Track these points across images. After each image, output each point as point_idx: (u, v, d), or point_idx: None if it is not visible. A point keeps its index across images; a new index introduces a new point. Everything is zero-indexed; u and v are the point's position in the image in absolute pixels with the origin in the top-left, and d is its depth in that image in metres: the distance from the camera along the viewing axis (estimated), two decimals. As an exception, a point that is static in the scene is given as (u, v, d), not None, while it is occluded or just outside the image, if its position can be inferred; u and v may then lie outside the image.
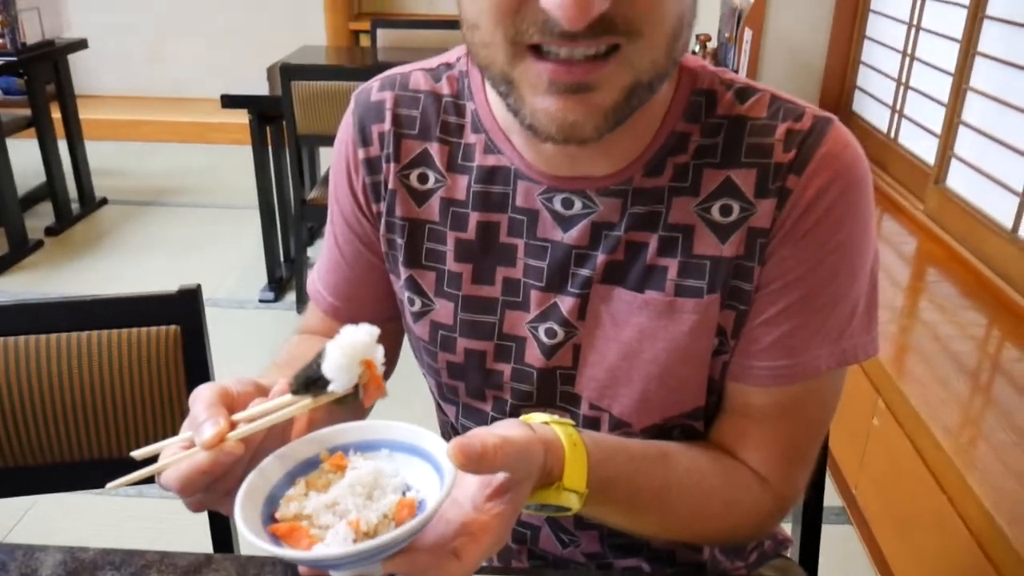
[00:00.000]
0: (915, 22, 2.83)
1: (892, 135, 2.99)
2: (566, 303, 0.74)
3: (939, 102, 2.58)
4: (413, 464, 0.58)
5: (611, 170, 0.70)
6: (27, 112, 3.55)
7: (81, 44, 3.71)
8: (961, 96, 2.42)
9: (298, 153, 2.90)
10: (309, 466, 0.58)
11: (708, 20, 3.39)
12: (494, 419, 0.80)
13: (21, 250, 3.35)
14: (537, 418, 0.64)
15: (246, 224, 3.48)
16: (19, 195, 3.42)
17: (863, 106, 3.32)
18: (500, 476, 0.57)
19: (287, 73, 2.55)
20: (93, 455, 1.04)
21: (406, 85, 0.78)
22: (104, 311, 1.01)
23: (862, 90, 3.34)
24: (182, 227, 3.75)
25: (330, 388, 0.57)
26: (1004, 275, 2.12)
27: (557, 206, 0.72)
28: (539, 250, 0.74)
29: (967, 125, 2.39)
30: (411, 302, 0.80)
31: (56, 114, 3.63)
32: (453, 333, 0.78)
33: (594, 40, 0.56)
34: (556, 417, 0.64)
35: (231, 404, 0.58)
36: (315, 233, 3.41)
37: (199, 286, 1.02)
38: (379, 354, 0.58)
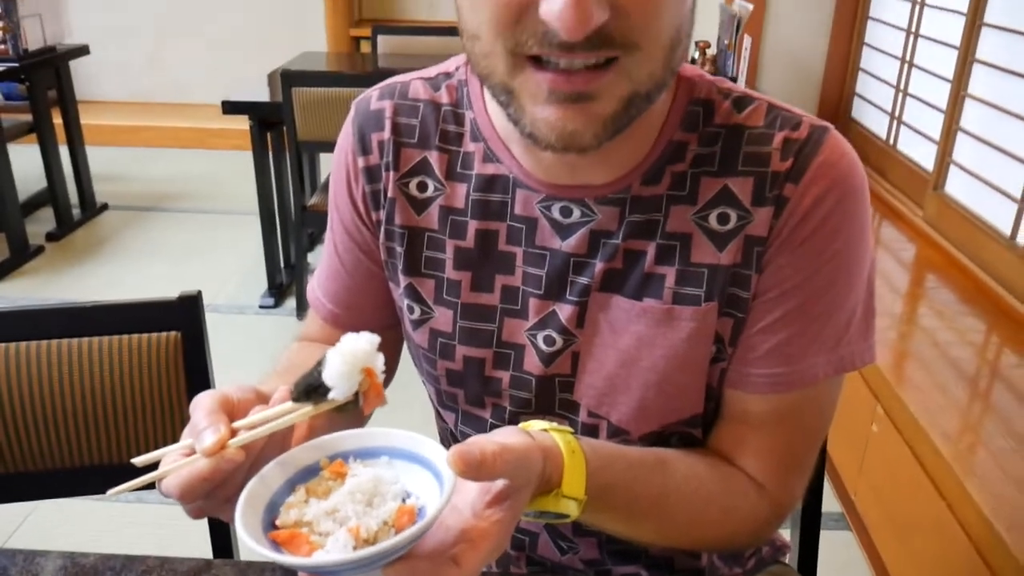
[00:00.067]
0: (914, 29, 2.84)
1: (891, 142, 3.00)
2: (564, 311, 0.74)
3: (938, 109, 2.59)
4: (413, 471, 0.58)
5: (609, 179, 0.71)
6: (28, 117, 3.56)
7: (83, 50, 3.72)
8: (959, 103, 2.43)
9: (298, 159, 2.91)
10: (309, 473, 0.58)
11: (707, 27, 3.40)
12: (493, 426, 0.80)
13: (22, 255, 3.35)
14: (536, 425, 0.64)
15: (246, 230, 3.49)
16: (20, 200, 3.42)
17: (862, 113, 3.34)
18: (499, 483, 0.57)
19: (288, 79, 2.56)
20: (93, 461, 1.04)
21: (405, 94, 0.79)
22: (105, 317, 1.02)
23: (861, 97, 3.35)
24: (183, 233, 3.75)
25: (331, 396, 0.58)
26: (1003, 281, 2.13)
27: (555, 214, 0.73)
28: (538, 258, 0.74)
29: (965, 132, 2.40)
30: (410, 310, 0.80)
31: (57, 119, 3.63)
32: (452, 341, 0.79)
33: (592, 52, 0.57)
34: (555, 424, 0.64)
35: (232, 411, 0.58)
36: (315, 239, 3.41)
37: (199, 292, 1.03)
38: (379, 362, 0.59)
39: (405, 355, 0.89)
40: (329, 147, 0.84)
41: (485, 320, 0.77)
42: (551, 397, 0.77)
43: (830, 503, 2.06)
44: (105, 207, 3.97)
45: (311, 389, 0.58)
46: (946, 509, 1.51)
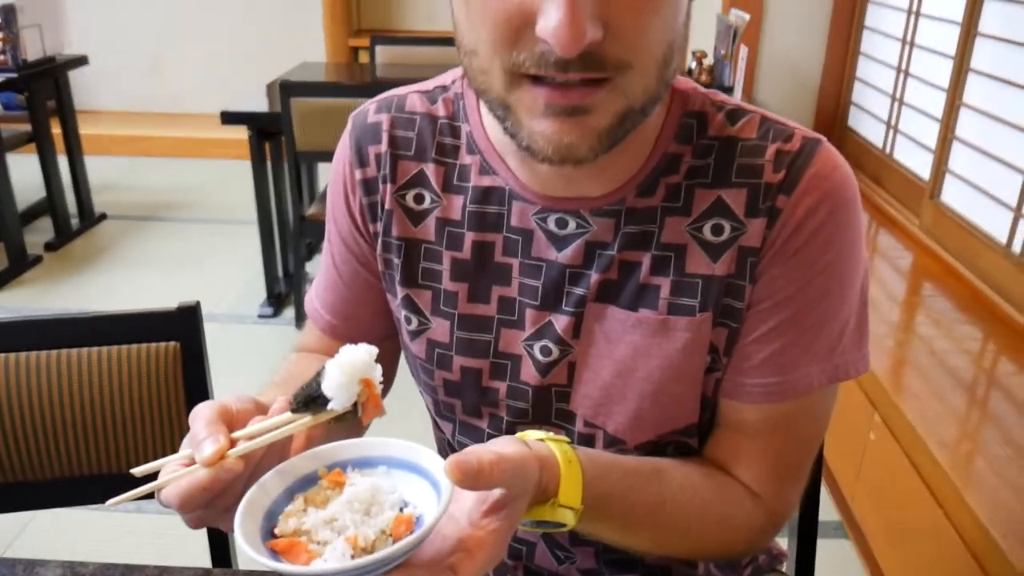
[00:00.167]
0: (909, 39, 2.85)
1: (887, 151, 3.02)
2: (561, 321, 0.75)
3: (933, 118, 2.60)
4: (410, 480, 0.59)
5: (604, 190, 0.72)
6: (27, 127, 3.57)
7: (81, 60, 3.73)
8: (955, 112, 2.44)
9: (297, 169, 2.92)
10: (308, 482, 0.59)
11: (703, 37, 3.42)
12: (490, 436, 0.81)
13: (20, 265, 3.36)
14: (533, 435, 0.64)
15: (245, 239, 3.49)
16: (19, 210, 3.43)
17: (858, 122, 3.35)
18: (496, 492, 0.58)
19: (286, 90, 2.57)
20: (92, 471, 1.04)
21: (402, 107, 0.80)
22: (103, 327, 1.02)
23: (857, 106, 3.37)
24: (181, 242, 3.76)
25: (329, 406, 0.58)
26: (999, 289, 2.14)
27: (551, 226, 0.74)
28: (534, 269, 0.75)
29: (961, 141, 2.41)
30: (408, 321, 0.81)
31: (56, 129, 3.64)
32: (449, 351, 0.79)
33: (587, 73, 0.58)
34: (551, 434, 0.65)
35: (231, 422, 0.59)
36: (313, 248, 3.42)
37: (198, 303, 1.03)
38: (377, 373, 0.60)
39: (403, 366, 0.90)
40: (327, 157, 0.85)
41: (482, 331, 0.78)
42: (548, 407, 0.78)
43: (828, 511, 2.06)
44: (104, 217, 3.97)
45: (310, 400, 0.59)
46: (943, 517, 1.51)
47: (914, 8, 2.82)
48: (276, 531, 0.55)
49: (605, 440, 0.77)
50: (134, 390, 1.02)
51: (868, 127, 3.24)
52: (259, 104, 2.96)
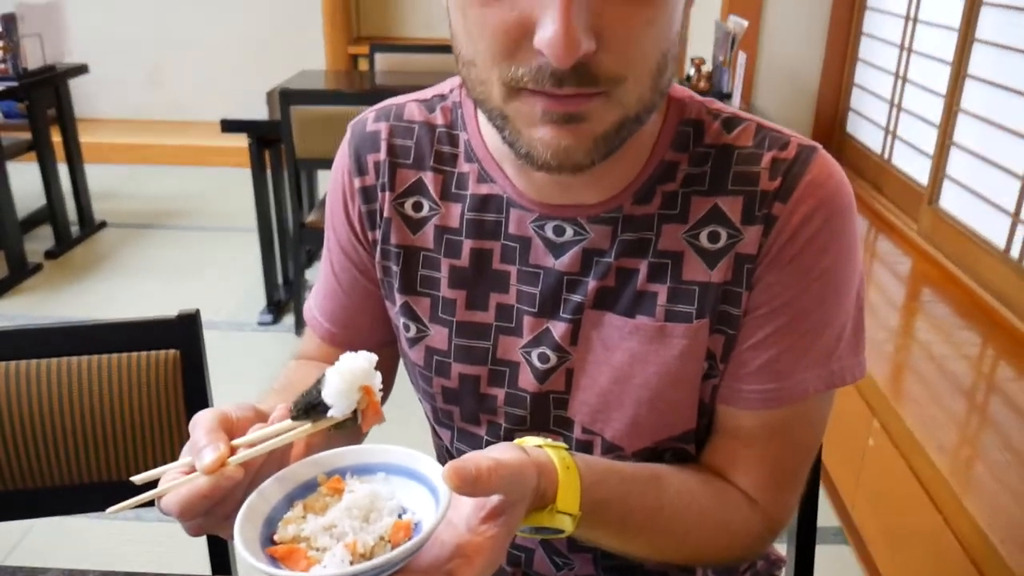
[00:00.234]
0: (907, 45, 2.86)
1: (886, 156, 3.02)
2: (558, 328, 0.75)
3: (931, 123, 2.61)
4: (409, 487, 0.59)
5: (602, 198, 0.72)
6: (28, 136, 3.58)
7: (82, 69, 3.74)
8: (953, 118, 2.45)
9: (296, 176, 2.92)
10: (307, 489, 0.59)
11: (702, 43, 3.43)
12: (488, 443, 0.81)
13: (20, 273, 3.36)
14: (531, 441, 0.65)
15: (245, 247, 3.50)
16: (19, 218, 3.44)
17: (857, 127, 3.36)
18: (494, 499, 0.58)
19: (286, 98, 2.58)
20: (92, 478, 1.04)
21: (401, 116, 0.80)
22: (103, 335, 1.02)
23: (856, 112, 3.38)
24: (181, 250, 3.76)
25: (330, 413, 0.59)
26: (998, 294, 2.14)
27: (549, 233, 0.74)
28: (531, 276, 0.75)
29: (959, 146, 2.42)
30: (406, 328, 0.81)
31: (57, 137, 3.65)
32: (447, 358, 0.80)
33: (582, 88, 0.58)
34: (549, 440, 0.65)
35: (231, 429, 0.59)
36: (313, 256, 3.42)
37: (198, 311, 1.04)
38: (377, 380, 0.60)
39: (402, 372, 0.90)
40: (327, 164, 0.85)
41: (480, 338, 0.78)
42: (546, 414, 0.78)
43: (828, 517, 2.06)
44: (104, 224, 3.98)
45: (310, 407, 0.59)
46: (942, 522, 1.51)
47: (912, 15, 2.83)
48: (275, 538, 0.56)
49: (603, 446, 0.77)
50: (134, 398, 1.02)
51: (867, 133, 3.24)
52: (259, 112, 2.97)
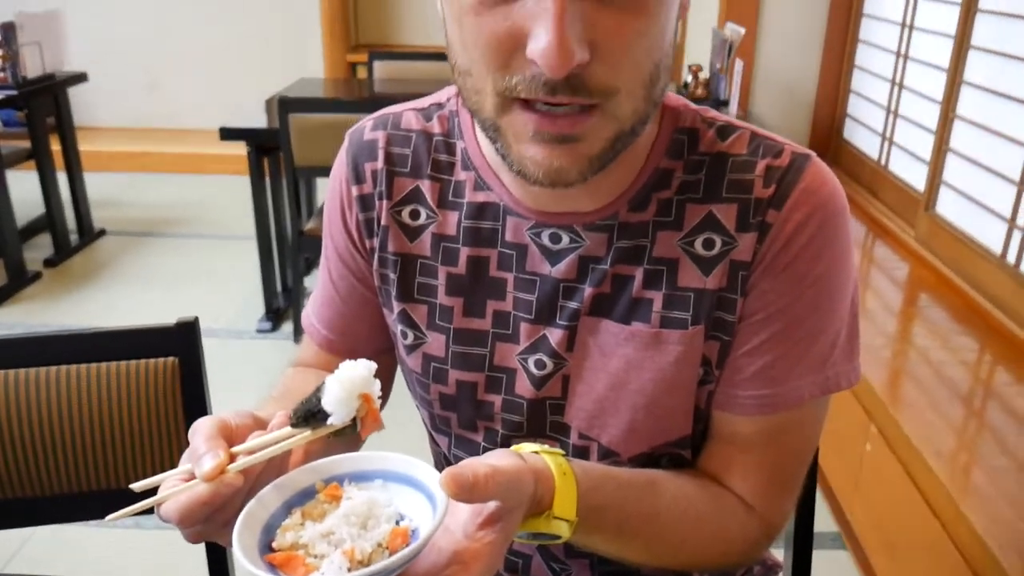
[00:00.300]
0: (903, 52, 2.88)
1: (883, 162, 3.03)
2: (555, 335, 0.76)
3: (928, 130, 2.62)
4: (406, 494, 0.59)
5: (597, 206, 0.73)
6: (27, 144, 3.59)
7: (81, 77, 3.75)
8: (949, 124, 2.46)
9: (295, 184, 2.93)
10: (305, 496, 0.60)
11: (699, 50, 3.44)
12: (486, 449, 0.81)
13: (19, 281, 3.37)
14: (527, 448, 0.65)
15: (243, 255, 3.50)
16: (18, 226, 3.44)
17: (854, 134, 3.37)
18: (491, 505, 0.58)
19: (285, 106, 2.59)
20: (91, 486, 1.05)
21: (398, 124, 0.81)
22: (102, 343, 1.03)
23: (853, 118, 3.39)
24: (180, 258, 3.77)
25: (329, 421, 0.59)
26: (994, 300, 2.15)
27: (545, 241, 0.75)
28: (528, 283, 0.76)
29: (955, 153, 2.43)
30: (404, 335, 0.82)
31: (56, 146, 3.66)
32: (445, 365, 0.80)
33: (575, 98, 0.59)
34: (546, 447, 0.65)
35: (230, 436, 0.60)
36: (312, 263, 3.43)
37: (196, 319, 1.04)
38: (376, 388, 0.61)
39: (400, 379, 0.90)
40: (325, 172, 0.85)
41: (477, 345, 0.79)
42: (542, 420, 0.79)
43: (826, 523, 2.06)
44: (103, 233, 3.99)
45: (310, 415, 0.59)
46: (940, 528, 1.51)
47: (908, 21, 2.85)
48: (274, 545, 0.56)
49: (599, 452, 0.77)
50: (133, 406, 1.03)
51: (863, 139, 3.25)
52: (258, 120, 2.98)
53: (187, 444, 0.60)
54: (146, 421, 1.03)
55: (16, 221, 3.39)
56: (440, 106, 0.81)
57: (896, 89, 2.92)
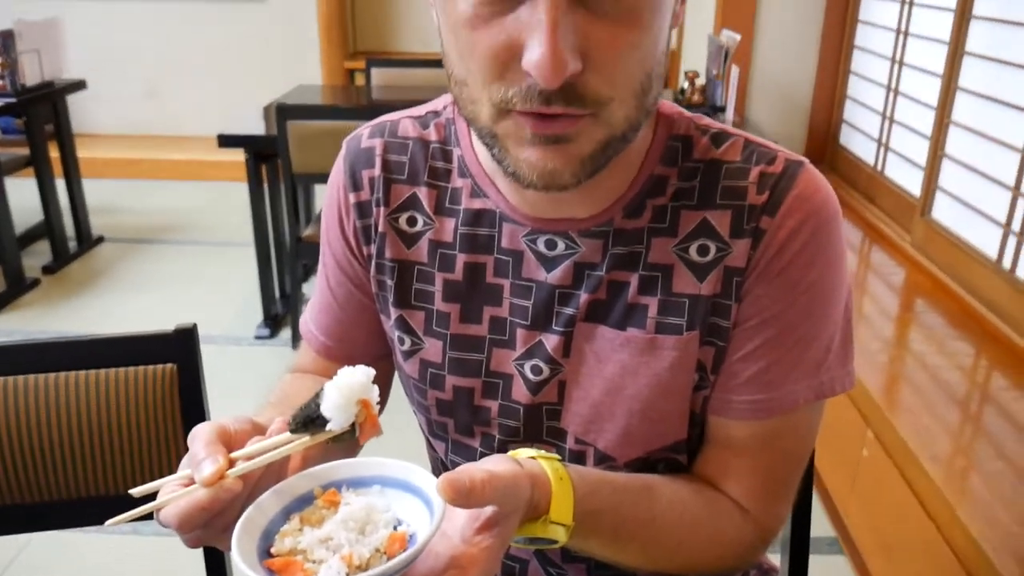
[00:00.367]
0: (898, 58, 2.89)
1: (879, 168, 3.04)
2: (551, 341, 0.76)
3: (923, 135, 2.63)
4: (404, 499, 0.60)
5: (593, 212, 0.73)
6: (26, 151, 3.59)
7: (80, 85, 3.76)
8: (944, 129, 2.47)
9: (293, 191, 2.94)
10: (304, 502, 0.60)
11: (696, 57, 3.45)
12: (483, 455, 0.82)
13: (18, 288, 3.37)
14: (524, 453, 0.66)
15: (242, 261, 3.51)
16: (17, 233, 3.44)
17: (850, 140, 3.38)
18: (488, 510, 0.59)
19: (283, 113, 2.60)
20: (89, 493, 1.05)
21: (395, 132, 0.82)
22: (100, 350, 1.03)
23: (849, 124, 3.40)
24: (179, 264, 3.77)
25: (328, 427, 0.60)
26: (990, 305, 2.16)
27: (541, 247, 0.75)
28: (524, 290, 0.76)
29: (950, 158, 2.44)
30: (401, 341, 0.82)
31: (54, 153, 3.66)
32: (442, 371, 0.81)
33: (569, 108, 0.60)
34: (543, 452, 0.66)
35: (229, 442, 0.60)
36: (310, 270, 3.43)
37: (195, 325, 1.04)
38: (375, 394, 0.61)
39: (397, 385, 0.91)
40: (323, 179, 0.86)
41: (474, 350, 0.79)
42: (539, 425, 0.79)
43: (823, 527, 2.06)
44: (101, 239, 3.99)
45: (309, 420, 0.60)
46: (936, 532, 1.52)
47: (902, 28, 2.86)
48: (272, 550, 0.56)
49: (596, 457, 0.78)
50: (131, 412, 1.03)
51: (859, 145, 3.26)
52: (256, 127, 2.99)
53: (185, 450, 0.60)
54: (144, 428, 1.04)
55: (15, 228, 3.39)
56: (436, 114, 0.82)
57: (891, 95, 2.93)
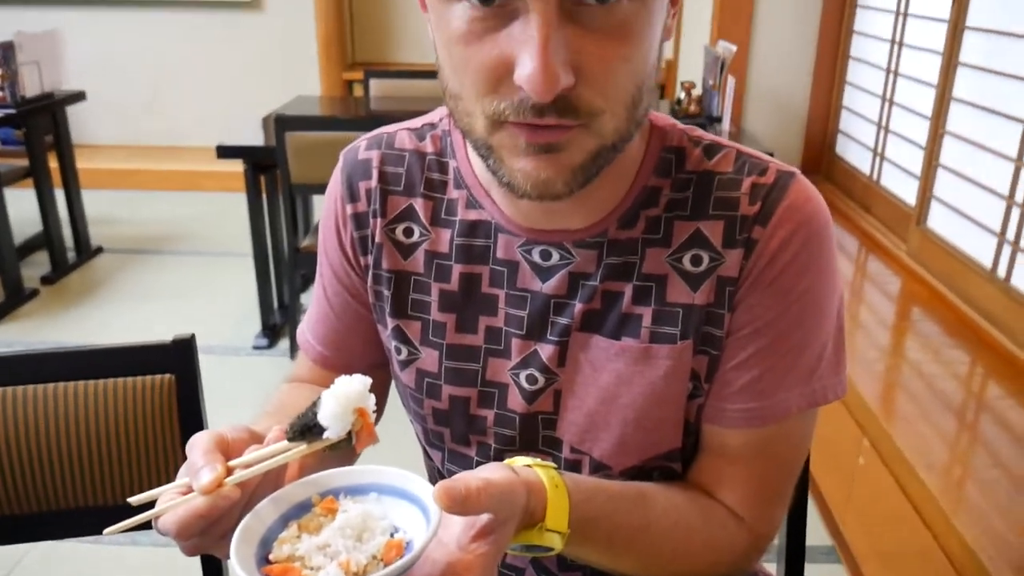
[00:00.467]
0: (893, 68, 2.91)
1: (874, 177, 3.06)
2: (546, 350, 0.77)
3: (918, 145, 2.65)
4: (401, 507, 0.61)
5: (587, 223, 0.74)
6: (25, 162, 3.60)
7: (79, 96, 3.77)
8: (939, 139, 2.48)
9: (291, 202, 2.95)
10: (302, 509, 0.61)
11: (692, 68, 3.47)
12: (479, 463, 0.82)
13: (16, 299, 3.37)
14: (520, 461, 0.66)
15: (240, 271, 3.51)
16: (16, 244, 3.45)
17: (846, 149, 3.39)
18: (484, 517, 0.59)
19: (281, 124, 2.60)
20: (88, 503, 1.05)
21: (392, 144, 0.83)
22: (99, 361, 1.03)
23: (844, 134, 3.42)
24: (177, 275, 3.78)
25: (325, 435, 0.60)
26: (985, 314, 2.16)
27: (536, 258, 0.76)
28: (519, 300, 0.77)
29: (945, 167, 2.45)
30: (398, 351, 0.83)
31: (53, 164, 3.67)
32: (438, 380, 0.81)
33: (561, 119, 0.61)
34: (538, 460, 0.67)
35: (227, 450, 0.61)
36: (308, 280, 3.43)
37: (193, 336, 1.05)
38: (371, 403, 0.62)
39: (394, 394, 0.91)
40: (321, 190, 0.87)
41: (470, 360, 0.80)
42: (534, 434, 0.80)
43: (820, 536, 2.07)
44: (100, 250, 3.99)
45: (306, 429, 0.61)
46: (932, 540, 1.52)
47: (897, 39, 2.88)
48: (271, 557, 0.57)
49: (591, 466, 0.78)
50: (129, 422, 1.03)
51: (855, 154, 3.28)
52: (255, 138, 3.00)
53: (184, 460, 0.61)
54: (143, 438, 1.04)
55: (14, 238, 3.40)
56: (433, 126, 0.83)
57: (887, 105, 2.95)
